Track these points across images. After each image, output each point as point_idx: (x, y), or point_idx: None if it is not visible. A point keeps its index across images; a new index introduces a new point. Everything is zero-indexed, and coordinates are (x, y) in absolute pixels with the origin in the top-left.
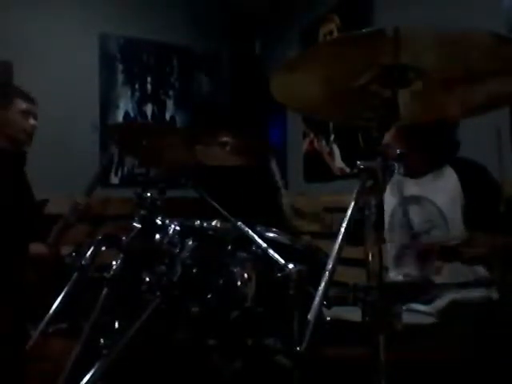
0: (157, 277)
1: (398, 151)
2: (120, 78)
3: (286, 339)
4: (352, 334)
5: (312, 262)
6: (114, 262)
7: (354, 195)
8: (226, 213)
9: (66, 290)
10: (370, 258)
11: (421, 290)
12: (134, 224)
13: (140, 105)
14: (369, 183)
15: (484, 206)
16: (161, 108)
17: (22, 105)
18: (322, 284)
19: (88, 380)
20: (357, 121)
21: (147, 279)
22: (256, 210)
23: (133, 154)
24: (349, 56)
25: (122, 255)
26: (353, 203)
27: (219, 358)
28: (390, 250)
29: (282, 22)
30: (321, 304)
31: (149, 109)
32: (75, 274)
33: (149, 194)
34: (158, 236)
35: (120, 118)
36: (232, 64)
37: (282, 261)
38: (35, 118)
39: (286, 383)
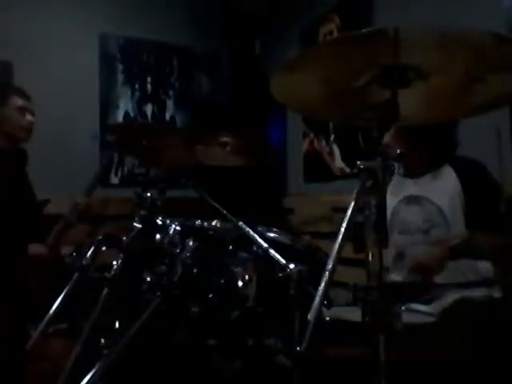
0: (157, 277)
1: (397, 151)
2: (120, 77)
3: (286, 339)
4: (352, 333)
5: (312, 261)
6: (114, 262)
7: (354, 195)
8: (226, 212)
9: (66, 290)
10: (370, 258)
11: (421, 289)
12: (134, 224)
13: (140, 105)
14: (369, 183)
15: (484, 205)
16: (161, 108)
17: (19, 101)
18: (322, 284)
19: (88, 380)
20: (357, 121)
21: (147, 279)
22: (256, 210)
23: (133, 153)
24: (349, 56)
25: (122, 255)
26: (353, 203)
27: (219, 358)
28: (390, 250)
29: (282, 22)
30: (321, 304)
31: (149, 109)
32: (75, 274)
33: (149, 194)
34: (158, 236)
35: (120, 117)
36: (232, 64)
37: (283, 261)
38: (32, 114)
39: (286, 383)
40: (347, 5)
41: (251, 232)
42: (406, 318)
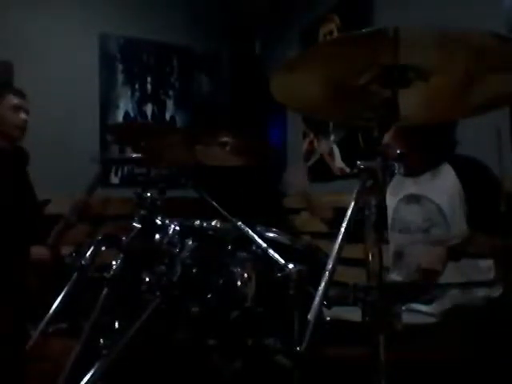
0: (157, 277)
1: (397, 151)
2: (120, 78)
3: (286, 339)
4: (352, 333)
5: (312, 261)
6: (114, 262)
7: (354, 195)
8: (225, 213)
9: (65, 290)
10: (370, 258)
11: (421, 290)
12: (134, 224)
13: (140, 105)
14: (369, 183)
15: (484, 203)
16: (161, 108)
17: (13, 100)
18: (322, 284)
19: (88, 380)
20: (357, 121)
21: (147, 279)
22: (256, 210)
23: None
24: (349, 56)
25: (122, 255)
26: (353, 203)
27: (219, 358)
28: (390, 250)
29: (281, 22)
30: (321, 304)
31: (149, 109)
32: (75, 274)
33: (149, 194)
34: (157, 236)
35: (120, 117)
36: (232, 64)
37: (282, 261)
38: (26, 112)
39: (286, 383)
40: (347, 5)
41: (250, 232)
42: (406, 318)
